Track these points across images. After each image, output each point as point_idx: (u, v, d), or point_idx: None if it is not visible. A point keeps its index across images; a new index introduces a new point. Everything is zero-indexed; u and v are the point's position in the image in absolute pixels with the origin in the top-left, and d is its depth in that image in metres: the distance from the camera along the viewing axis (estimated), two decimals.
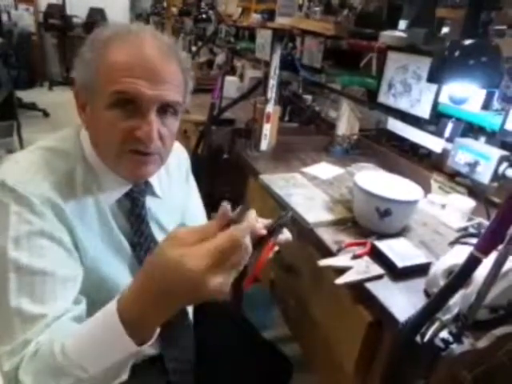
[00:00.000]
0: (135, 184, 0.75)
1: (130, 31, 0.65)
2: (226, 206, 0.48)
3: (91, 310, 0.64)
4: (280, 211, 0.66)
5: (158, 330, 0.52)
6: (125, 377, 0.55)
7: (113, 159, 0.67)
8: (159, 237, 0.80)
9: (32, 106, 4.46)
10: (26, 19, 5.51)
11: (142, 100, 0.62)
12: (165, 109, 0.66)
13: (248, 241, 0.47)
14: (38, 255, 0.60)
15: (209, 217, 1.13)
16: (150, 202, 0.79)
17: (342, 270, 0.84)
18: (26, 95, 4.53)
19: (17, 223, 0.59)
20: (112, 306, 0.50)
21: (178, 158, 0.91)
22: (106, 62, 0.62)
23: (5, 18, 4.58)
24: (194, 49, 3.02)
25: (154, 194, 0.80)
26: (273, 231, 0.64)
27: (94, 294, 0.67)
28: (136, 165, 0.67)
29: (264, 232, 0.56)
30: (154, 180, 0.80)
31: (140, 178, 0.73)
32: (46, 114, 4.47)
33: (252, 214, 0.49)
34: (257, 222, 0.53)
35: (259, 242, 0.65)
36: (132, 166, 0.67)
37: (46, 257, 0.61)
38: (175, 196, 0.87)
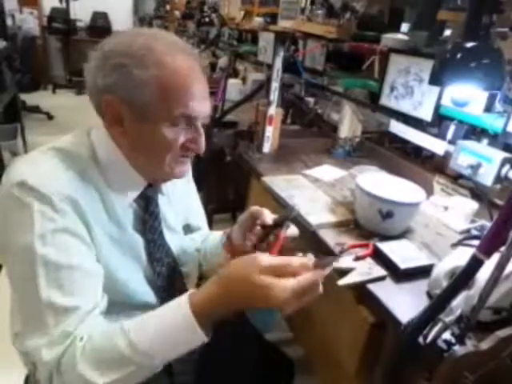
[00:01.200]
0: (150, 184, 0.78)
1: (172, 47, 0.67)
2: (311, 257, 0.60)
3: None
4: (286, 208, 0.70)
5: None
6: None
7: (163, 168, 0.72)
8: (167, 234, 0.83)
9: (36, 109, 4.49)
10: (30, 23, 5.54)
11: (199, 118, 0.70)
12: (203, 120, 0.73)
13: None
14: (64, 250, 0.62)
15: (210, 218, 1.14)
16: (159, 200, 0.82)
17: (344, 272, 0.84)
18: (29, 98, 4.56)
19: (41, 221, 0.61)
20: (184, 307, 0.58)
21: None
22: (165, 85, 0.65)
23: (9, 21, 4.61)
24: (196, 52, 3.03)
25: (161, 192, 0.83)
26: (281, 223, 0.69)
27: (107, 291, 0.69)
28: (180, 166, 0.74)
29: (268, 220, 0.69)
30: None
31: (181, 177, 0.78)
32: (49, 117, 4.49)
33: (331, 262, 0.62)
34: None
35: (266, 234, 0.70)
36: (179, 168, 0.73)
37: (72, 252, 0.63)
38: (179, 196, 0.89)
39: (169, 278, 0.82)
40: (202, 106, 0.69)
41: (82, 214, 0.66)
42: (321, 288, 0.59)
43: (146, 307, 0.76)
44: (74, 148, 0.70)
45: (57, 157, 0.68)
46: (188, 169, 0.77)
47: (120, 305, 0.72)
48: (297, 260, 0.58)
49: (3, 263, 0.69)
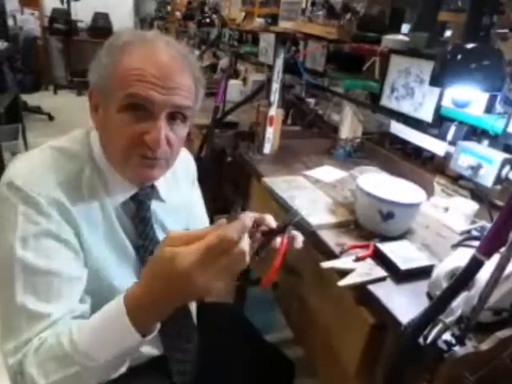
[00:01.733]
0: (141, 187, 0.76)
1: (145, 38, 0.67)
2: (223, 221, 0.51)
3: (94, 311, 0.65)
4: (289, 211, 0.67)
5: (158, 326, 0.56)
6: (123, 370, 0.59)
7: (120, 161, 0.69)
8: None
9: (37, 110, 4.50)
10: (31, 23, 5.56)
11: (153, 104, 0.63)
12: (174, 115, 0.67)
13: (245, 243, 0.49)
14: (44, 255, 0.61)
15: (211, 220, 1.14)
16: (156, 206, 0.80)
17: (344, 272, 0.84)
18: (31, 99, 4.57)
19: (24, 223, 0.60)
20: (119, 300, 0.55)
21: (187, 165, 0.93)
22: (121, 66, 0.64)
23: (10, 22, 4.62)
24: (197, 53, 3.04)
25: (159, 198, 0.81)
26: (284, 228, 0.66)
27: (97, 296, 0.68)
28: (142, 168, 0.68)
29: (273, 225, 0.63)
30: (160, 185, 0.80)
31: (145, 181, 0.74)
32: (50, 118, 4.50)
33: (248, 214, 0.53)
34: (258, 221, 0.62)
35: (268, 238, 0.68)
36: (138, 169, 0.68)
37: (52, 257, 0.62)
38: (181, 202, 0.88)
39: None
40: (159, 93, 0.63)
41: (69, 218, 0.65)
42: (243, 248, 0.49)
43: None
44: (72, 146, 0.71)
45: (53, 156, 0.68)
46: (157, 173, 0.71)
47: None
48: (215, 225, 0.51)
49: None
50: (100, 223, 0.70)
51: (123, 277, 0.73)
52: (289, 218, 0.70)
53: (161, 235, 0.81)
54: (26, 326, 0.59)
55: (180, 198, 0.87)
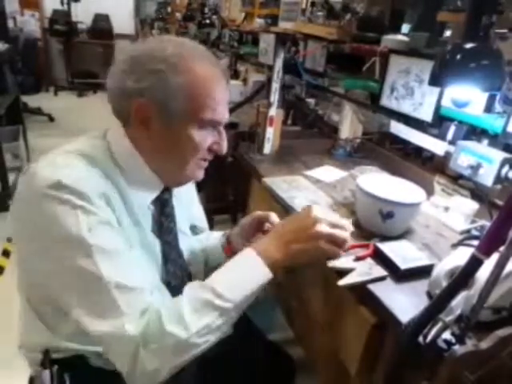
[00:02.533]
0: (165, 187, 0.80)
1: (201, 56, 0.72)
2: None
3: None
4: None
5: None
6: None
7: (179, 168, 0.76)
8: (178, 234, 0.86)
9: (37, 111, 4.50)
10: (31, 25, 5.57)
11: (222, 122, 0.76)
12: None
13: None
14: (112, 239, 0.66)
15: (211, 219, 1.14)
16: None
17: (344, 272, 0.84)
18: (31, 100, 4.58)
19: (84, 215, 0.63)
20: (250, 252, 0.69)
21: None
22: (196, 90, 0.69)
23: (11, 23, 4.63)
24: None
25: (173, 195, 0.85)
26: None
27: None
28: (198, 170, 0.78)
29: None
30: None
31: (197, 179, 0.81)
32: (51, 119, 4.51)
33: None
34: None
35: None
36: (195, 171, 0.77)
37: (117, 240, 0.66)
38: (184, 198, 0.91)
39: (181, 278, 0.84)
40: (225, 112, 0.75)
41: (114, 209, 0.69)
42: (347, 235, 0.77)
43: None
44: (92, 150, 0.72)
45: (79, 158, 0.69)
46: (203, 173, 0.81)
47: None
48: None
49: (28, 265, 0.71)
50: (128, 221, 0.73)
51: (147, 272, 0.75)
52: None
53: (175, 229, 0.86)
54: (127, 301, 0.62)
55: (183, 196, 0.91)
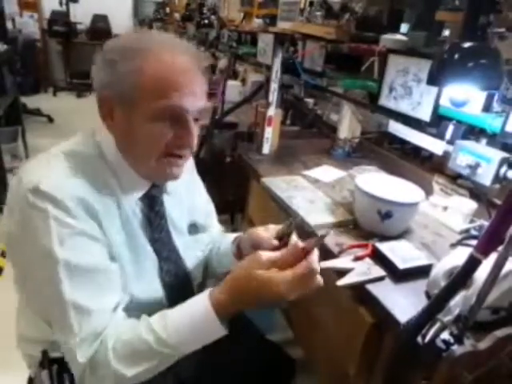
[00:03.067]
0: (154, 184, 0.78)
1: (161, 42, 0.67)
2: (297, 244, 0.65)
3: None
4: (290, 217, 0.72)
5: None
6: None
7: (150, 165, 0.71)
8: (173, 233, 0.84)
9: (37, 112, 4.50)
10: (30, 26, 5.56)
11: (186, 111, 0.67)
12: (196, 116, 0.71)
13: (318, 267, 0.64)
14: (83, 253, 0.64)
15: None
16: (164, 199, 0.83)
17: (343, 272, 0.84)
18: (30, 101, 4.57)
19: (58, 227, 0.62)
20: (205, 303, 0.64)
21: None
22: (148, 76, 0.64)
23: (10, 25, 4.62)
24: None
25: (166, 191, 0.83)
26: (287, 235, 0.74)
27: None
28: (171, 168, 0.72)
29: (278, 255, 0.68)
30: None
31: (173, 179, 0.76)
32: (50, 120, 4.50)
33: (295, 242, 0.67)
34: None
35: (277, 247, 0.71)
36: (169, 168, 0.72)
37: (91, 254, 0.65)
38: (182, 194, 0.89)
39: (176, 276, 0.83)
40: (190, 100, 0.67)
41: (95, 216, 0.67)
42: (319, 278, 0.65)
43: (155, 304, 0.77)
44: (82, 149, 0.71)
45: (67, 160, 0.68)
46: (181, 170, 0.75)
47: (128, 303, 0.73)
48: (290, 249, 0.65)
49: (18, 268, 0.71)
50: (118, 220, 0.72)
51: (141, 274, 0.75)
52: (289, 223, 0.73)
53: (171, 228, 0.83)
54: (81, 322, 0.62)
55: (181, 192, 0.89)
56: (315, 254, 0.64)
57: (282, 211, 1.15)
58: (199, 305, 0.65)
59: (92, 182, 0.68)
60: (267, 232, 0.79)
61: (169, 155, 0.70)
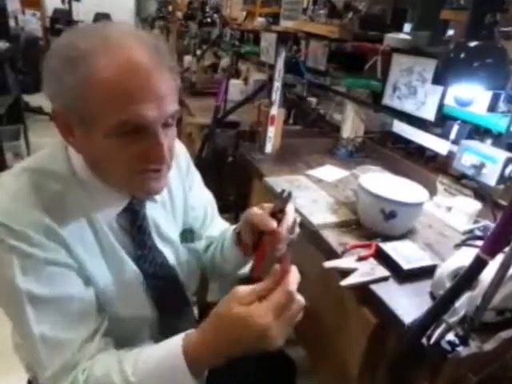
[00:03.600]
0: (136, 197, 0.71)
1: (107, 39, 0.56)
2: (276, 269, 0.56)
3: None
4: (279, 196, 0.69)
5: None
6: None
7: (122, 183, 0.65)
8: (160, 245, 0.78)
9: (39, 110, 4.50)
10: (32, 24, 5.58)
11: (148, 122, 0.58)
12: (167, 122, 0.62)
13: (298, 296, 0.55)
14: (48, 284, 0.60)
15: None
16: (149, 208, 0.76)
17: (346, 272, 0.84)
18: (32, 99, 4.58)
19: (19, 257, 0.58)
20: (176, 347, 0.56)
21: (176, 158, 0.84)
22: (96, 86, 0.54)
23: (12, 22, 4.63)
24: (198, 52, 3.04)
25: (152, 199, 0.77)
26: (280, 212, 0.70)
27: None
28: (149, 183, 0.64)
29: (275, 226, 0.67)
30: None
31: (153, 195, 0.71)
32: (52, 118, 4.51)
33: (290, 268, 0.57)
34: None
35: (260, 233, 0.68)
36: (145, 185, 0.64)
37: (57, 283, 0.61)
38: (175, 198, 0.84)
39: (166, 289, 0.79)
40: (152, 108, 0.56)
41: (61, 241, 0.62)
42: (301, 299, 0.55)
43: (144, 320, 0.75)
44: (51, 165, 0.65)
45: (30, 180, 0.62)
46: (162, 184, 0.66)
47: (115, 322, 0.69)
48: (270, 279, 0.55)
49: None
50: (94, 241, 0.67)
51: (125, 291, 0.72)
52: (281, 200, 0.71)
53: (157, 241, 0.78)
54: (51, 355, 0.59)
55: (174, 195, 0.83)
56: (293, 272, 0.56)
57: (284, 211, 1.14)
58: (171, 352, 0.57)
59: (60, 204, 0.63)
60: (261, 210, 0.72)
61: (142, 171, 0.62)
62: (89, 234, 0.67)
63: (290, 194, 0.71)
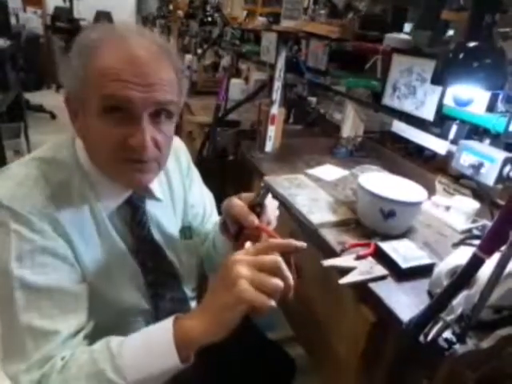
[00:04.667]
0: (135, 191, 0.73)
1: (115, 32, 0.62)
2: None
3: (98, 323, 0.66)
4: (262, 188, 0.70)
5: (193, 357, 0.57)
6: None
7: (108, 168, 0.66)
8: (160, 240, 0.79)
9: (39, 108, 4.51)
10: (34, 22, 5.57)
11: (133, 104, 0.59)
12: (158, 112, 0.62)
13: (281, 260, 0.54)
14: (42, 272, 0.60)
15: None
16: (150, 206, 0.78)
17: (345, 271, 0.85)
18: (33, 97, 4.59)
19: (18, 242, 0.59)
20: (167, 326, 0.55)
21: (176, 156, 0.88)
22: (94, 67, 0.59)
23: (13, 20, 4.62)
24: (199, 51, 3.04)
25: (153, 197, 0.79)
26: (259, 205, 0.70)
27: (100, 308, 0.67)
28: (133, 173, 0.65)
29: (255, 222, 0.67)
30: (153, 184, 0.78)
31: (139, 187, 0.72)
32: (52, 116, 4.51)
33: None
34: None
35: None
36: (129, 174, 0.65)
37: (51, 273, 0.61)
38: (176, 196, 0.85)
39: (165, 285, 0.80)
40: (138, 91, 0.58)
41: (62, 232, 0.63)
42: (281, 263, 0.54)
43: (139, 315, 0.75)
44: (58, 155, 0.68)
45: (38, 168, 0.65)
46: (149, 178, 0.68)
47: (115, 316, 0.70)
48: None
49: None
50: (94, 233, 0.68)
51: (123, 285, 0.72)
52: (260, 193, 0.71)
53: (158, 236, 0.79)
54: (35, 345, 0.57)
55: (175, 193, 0.85)
56: (284, 241, 0.58)
57: (284, 209, 1.15)
58: (160, 327, 0.57)
59: (64, 194, 0.64)
60: (240, 202, 0.72)
61: (127, 160, 0.63)
62: (90, 225, 0.68)
63: (268, 189, 0.71)
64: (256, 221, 0.68)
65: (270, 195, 0.72)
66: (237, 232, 0.72)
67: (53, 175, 0.65)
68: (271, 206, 0.73)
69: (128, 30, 0.63)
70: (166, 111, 0.64)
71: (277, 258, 0.53)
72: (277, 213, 0.76)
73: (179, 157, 0.90)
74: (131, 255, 0.74)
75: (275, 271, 0.53)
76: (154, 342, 0.55)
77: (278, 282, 0.52)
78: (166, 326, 0.56)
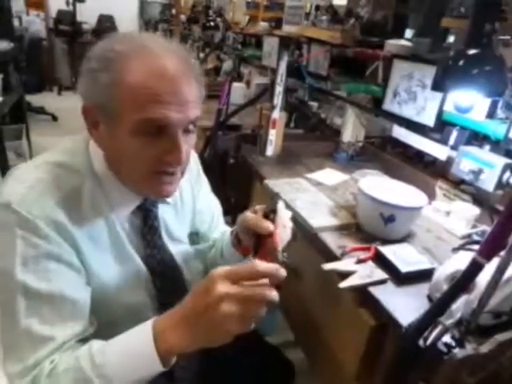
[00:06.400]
0: (146, 198, 0.74)
1: (143, 46, 0.61)
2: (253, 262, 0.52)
3: (104, 329, 0.65)
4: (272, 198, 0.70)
5: (175, 359, 0.57)
6: None
7: (137, 182, 0.67)
8: (169, 245, 0.80)
9: (41, 110, 4.52)
10: (36, 25, 5.59)
11: (170, 123, 0.61)
12: (187, 127, 0.64)
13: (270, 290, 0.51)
14: (45, 278, 0.60)
15: None
16: (161, 210, 0.79)
17: (345, 274, 0.85)
18: (35, 99, 4.60)
19: (23, 247, 0.59)
20: (146, 329, 0.55)
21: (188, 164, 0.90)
22: (127, 85, 0.58)
23: (16, 23, 4.64)
24: (201, 55, 3.06)
25: (165, 202, 0.80)
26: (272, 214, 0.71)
27: (107, 313, 0.68)
28: (162, 185, 0.66)
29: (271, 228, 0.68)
30: None
31: (165, 197, 0.73)
32: (54, 118, 4.52)
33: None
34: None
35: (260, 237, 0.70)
36: (158, 186, 0.66)
37: (54, 279, 0.61)
38: (185, 201, 0.86)
39: (173, 292, 0.79)
40: (175, 111, 0.60)
41: (70, 239, 0.63)
42: (268, 291, 0.50)
43: (144, 320, 0.75)
44: (72, 160, 0.67)
45: (51, 172, 0.64)
46: (174, 188, 0.69)
47: (121, 319, 0.69)
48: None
49: None
50: (106, 239, 0.69)
51: (133, 291, 0.73)
52: (273, 202, 0.73)
53: (167, 241, 0.80)
54: (32, 350, 0.58)
55: (184, 198, 0.86)
56: (271, 266, 0.52)
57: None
58: (140, 329, 0.57)
59: (75, 200, 0.64)
60: (255, 213, 0.75)
61: (158, 173, 0.64)
62: (103, 231, 0.68)
63: (278, 196, 0.73)
64: (271, 226, 0.69)
65: (283, 205, 0.74)
66: (255, 244, 0.72)
67: (65, 180, 0.65)
68: (285, 216, 0.74)
69: (153, 41, 0.63)
70: (193, 125, 0.66)
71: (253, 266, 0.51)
72: (290, 224, 0.76)
73: (190, 164, 0.90)
74: (141, 260, 0.74)
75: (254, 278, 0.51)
76: (135, 355, 0.56)
77: (261, 290, 0.50)
78: (147, 338, 0.55)
